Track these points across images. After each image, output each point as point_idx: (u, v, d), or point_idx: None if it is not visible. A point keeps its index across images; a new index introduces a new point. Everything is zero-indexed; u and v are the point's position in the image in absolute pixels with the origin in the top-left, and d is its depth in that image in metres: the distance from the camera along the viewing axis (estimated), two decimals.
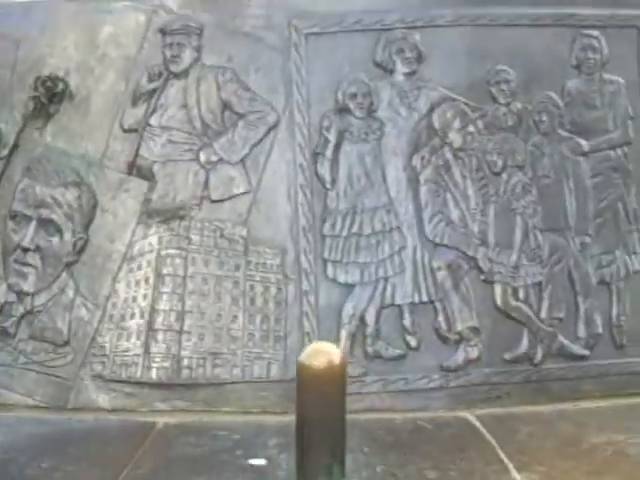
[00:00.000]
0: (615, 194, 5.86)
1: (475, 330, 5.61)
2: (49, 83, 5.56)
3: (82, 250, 5.60)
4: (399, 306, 5.61)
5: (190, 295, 5.53)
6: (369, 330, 5.57)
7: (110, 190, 5.61)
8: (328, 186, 5.61)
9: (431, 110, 5.67)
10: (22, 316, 5.57)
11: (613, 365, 5.72)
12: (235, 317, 5.51)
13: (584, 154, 5.84)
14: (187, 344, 5.50)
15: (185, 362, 5.50)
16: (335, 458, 4.36)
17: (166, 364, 5.49)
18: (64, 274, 5.61)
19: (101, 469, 4.58)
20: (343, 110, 5.62)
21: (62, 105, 5.65)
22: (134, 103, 5.65)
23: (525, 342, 5.69)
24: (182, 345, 5.50)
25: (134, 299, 5.53)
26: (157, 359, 5.49)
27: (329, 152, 5.61)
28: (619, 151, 5.89)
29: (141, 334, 5.52)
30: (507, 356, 5.65)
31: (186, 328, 5.51)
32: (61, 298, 5.60)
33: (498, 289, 5.68)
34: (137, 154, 5.61)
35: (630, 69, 5.89)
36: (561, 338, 5.71)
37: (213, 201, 5.58)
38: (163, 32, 5.63)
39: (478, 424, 5.31)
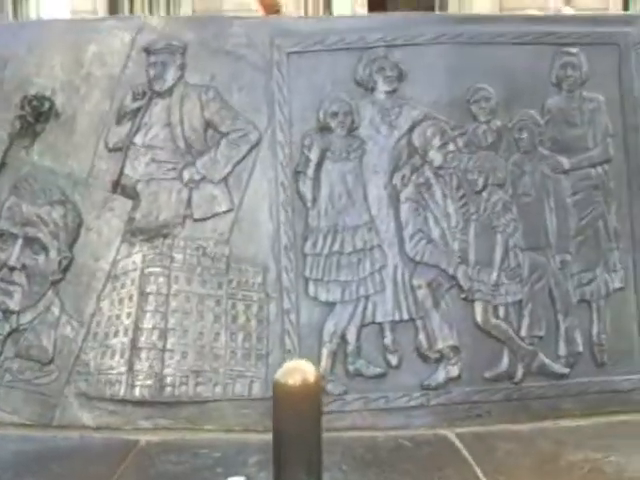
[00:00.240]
0: (596, 212, 5.88)
1: (455, 348, 5.64)
2: (35, 102, 5.60)
3: (67, 268, 5.64)
4: (380, 324, 5.64)
5: (173, 313, 5.58)
6: (350, 348, 5.60)
7: (95, 209, 5.67)
8: (309, 204, 5.65)
9: (412, 128, 5.71)
10: (8, 334, 5.62)
11: (594, 383, 5.75)
12: (217, 335, 5.57)
13: (564, 172, 5.86)
14: (170, 362, 5.55)
15: (168, 380, 5.54)
16: (311, 475, 4.41)
17: (149, 382, 5.53)
18: (49, 292, 5.66)
19: None
20: (324, 129, 5.67)
21: (48, 124, 5.72)
22: (118, 122, 5.71)
23: (505, 360, 5.71)
24: (165, 363, 5.55)
25: (118, 317, 5.58)
26: (140, 377, 5.55)
27: (310, 171, 5.66)
28: (599, 169, 5.91)
29: (125, 352, 5.56)
30: (487, 374, 5.67)
31: (169, 346, 5.56)
32: (47, 316, 5.65)
33: (478, 307, 5.70)
34: (122, 173, 5.68)
35: (610, 86, 5.93)
36: (541, 356, 5.73)
37: (196, 220, 5.64)
38: (147, 51, 5.69)
39: (458, 442, 5.36)
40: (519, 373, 5.70)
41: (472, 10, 15.44)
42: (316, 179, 5.66)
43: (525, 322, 5.75)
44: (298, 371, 4.42)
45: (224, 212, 5.65)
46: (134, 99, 5.69)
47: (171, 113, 5.69)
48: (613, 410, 5.61)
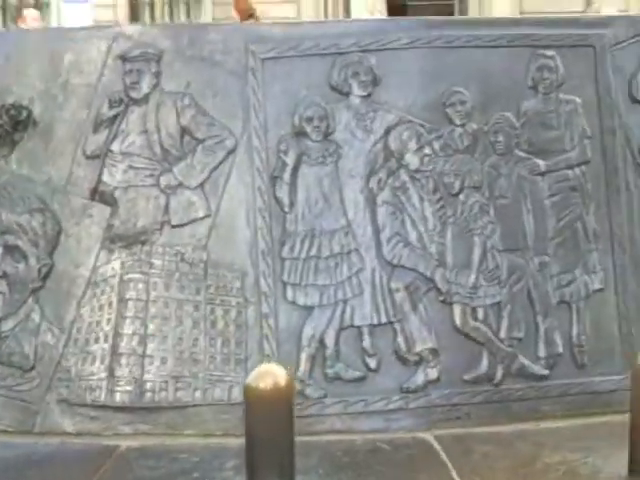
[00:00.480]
0: (574, 213, 5.91)
1: (434, 351, 5.67)
2: (13, 111, 5.65)
3: (47, 276, 5.69)
4: (358, 328, 5.67)
5: (152, 319, 5.63)
6: (329, 352, 5.63)
7: (74, 216, 5.72)
8: (286, 209, 5.69)
9: (387, 132, 5.74)
10: None
11: (574, 385, 5.78)
12: (196, 340, 5.60)
13: (541, 174, 5.89)
14: (150, 368, 5.59)
15: (148, 386, 5.58)
16: (283, 479, 4.50)
17: (129, 388, 5.58)
18: (30, 300, 5.70)
19: None
20: (300, 134, 5.70)
21: (26, 133, 5.77)
22: (95, 130, 5.76)
23: (485, 362, 5.73)
24: (145, 369, 5.59)
25: (98, 323, 5.64)
26: (121, 383, 5.59)
27: (287, 175, 5.69)
28: (577, 170, 5.94)
29: (105, 358, 5.61)
30: (467, 377, 5.70)
31: (149, 352, 5.60)
32: (27, 323, 5.69)
33: (457, 310, 5.73)
34: (99, 180, 5.74)
35: (587, 89, 5.96)
36: (521, 358, 5.76)
37: (173, 226, 5.69)
38: (123, 59, 5.74)
39: (436, 445, 5.40)
40: (498, 375, 5.73)
41: (492, 13, 15.50)
42: (293, 184, 5.69)
43: (504, 324, 5.77)
44: (269, 375, 4.51)
45: (201, 218, 5.69)
46: (111, 107, 5.75)
47: (147, 120, 5.73)
48: (593, 411, 5.62)
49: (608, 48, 5.98)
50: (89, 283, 5.67)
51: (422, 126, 5.77)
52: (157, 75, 5.75)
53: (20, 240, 5.66)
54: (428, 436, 5.50)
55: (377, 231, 5.71)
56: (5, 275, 5.68)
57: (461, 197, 5.77)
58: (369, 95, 5.76)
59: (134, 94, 5.75)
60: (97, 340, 5.60)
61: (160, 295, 5.65)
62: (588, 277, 5.91)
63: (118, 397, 5.58)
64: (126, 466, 5.17)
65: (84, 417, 5.57)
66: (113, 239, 5.71)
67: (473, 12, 17.21)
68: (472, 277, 5.74)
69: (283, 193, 5.71)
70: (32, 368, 5.64)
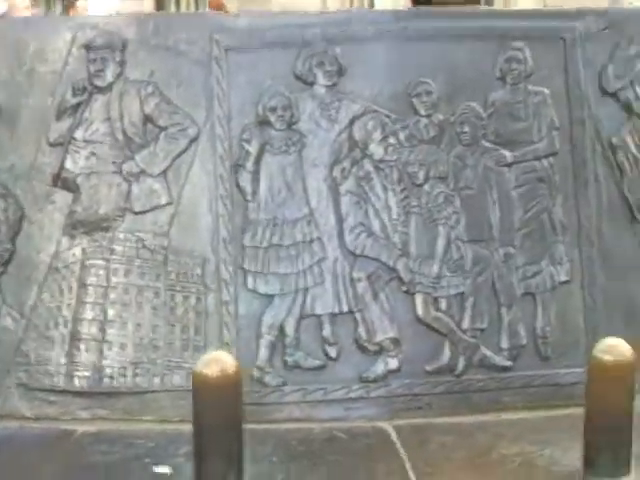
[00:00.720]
0: (540, 205, 5.88)
1: (395, 341, 5.64)
2: None
3: (9, 261, 5.69)
4: (319, 316, 5.65)
5: (112, 305, 5.64)
6: (288, 340, 5.62)
7: (37, 202, 5.74)
8: (249, 198, 5.69)
9: (352, 122, 5.73)
10: None
11: (537, 376, 5.74)
12: (155, 327, 5.61)
13: (508, 165, 5.87)
14: (109, 353, 5.60)
15: (107, 371, 5.59)
16: (231, 466, 4.46)
17: (88, 373, 5.59)
18: None
19: (2, 477, 4.74)
20: (264, 123, 5.70)
21: None
22: (59, 117, 5.78)
23: (447, 353, 5.70)
24: (104, 354, 5.60)
25: (58, 309, 5.65)
26: (79, 368, 5.60)
27: (250, 164, 5.69)
28: (545, 162, 5.92)
29: (64, 343, 5.62)
30: (428, 367, 5.67)
31: (108, 338, 5.61)
32: None
33: (419, 300, 5.71)
34: (62, 167, 5.75)
35: (557, 80, 5.95)
36: (483, 349, 5.73)
37: (135, 213, 5.70)
38: (87, 48, 5.75)
39: (394, 435, 5.37)
40: (460, 366, 5.70)
41: (517, 7, 15.41)
42: (255, 172, 5.69)
43: (467, 315, 5.74)
44: (216, 362, 4.47)
45: (163, 205, 5.71)
46: (74, 95, 5.76)
47: (111, 108, 5.76)
48: (556, 404, 5.57)
49: (578, 40, 5.99)
50: (50, 268, 5.67)
51: (387, 116, 5.76)
52: (121, 64, 5.76)
53: None
54: (387, 426, 5.46)
55: (340, 220, 5.70)
56: None
57: (426, 187, 5.75)
58: (334, 85, 5.76)
59: (98, 82, 5.76)
60: (57, 325, 5.61)
61: (120, 281, 5.66)
62: (554, 269, 5.88)
63: (77, 382, 5.59)
64: (80, 451, 5.16)
65: (43, 402, 5.57)
66: (75, 225, 5.72)
67: (498, 4, 17.15)
68: (435, 267, 5.71)
69: (246, 182, 5.71)
70: None
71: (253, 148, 5.70)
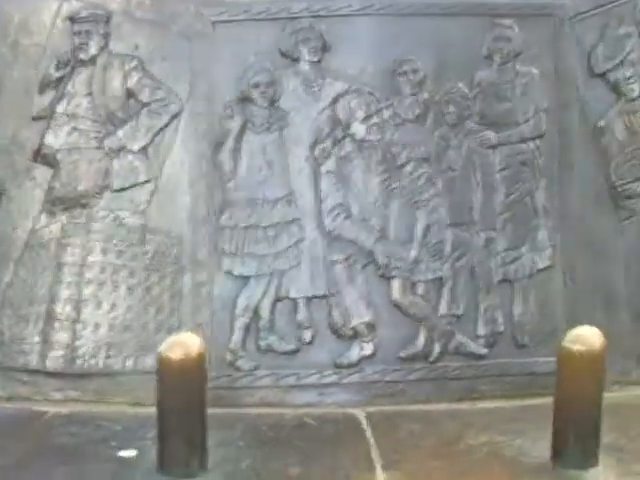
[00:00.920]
0: (524, 188, 5.44)
1: (370, 326, 5.26)
2: None
3: None
4: (294, 300, 5.28)
5: (88, 284, 5.29)
6: (262, 323, 5.26)
7: (17, 178, 5.41)
8: (228, 176, 5.28)
9: (335, 100, 5.30)
10: None
11: (514, 364, 5.35)
12: (130, 307, 5.28)
13: (493, 147, 5.42)
14: (83, 333, 5.26)
15: (80, 352, 5.26)
16: (194, 450, 4.21)
17: (61, 353, 5.26)
18: None
19: None
20: (246, 99, 5.29)
21: None
22: (42, 91, 5.41)
23: (422, 339, 5.31)
24: (77, 334, 5.26)
25: (34, 287, 5.32)
26: (53, 348, 5.27)
27: (231, 142, 5.29)
28: (531, 144, 5.45)
29: (39, 322, 5.29)
30: (403, 353, 5.29)
31: (82, 317, 5.26)
32: None
33: (396, 284, 5.30)
34: (42, 142, 5.38)
35: (546, 60, 5.46)
36: (459, 336, 5.33)
37: (114, 190, 5.34)
38: (72, 20, 5.37)
39: (365, 421, 5.02)
40: (435, 352, 5.31)
41: None
42: (236, 150, 5.29)
43: (444, 300, 5.34)
44: (180, 345, 4.18)
45: (143, 183, 5.32)
46: (58, 68, 5.39)
47: (94, 82, 5.38)
48: (533, 392, 5.14)
49: (569, 18, 5.49)
50: (27, 246, 5.36)
51: (371, 94, 5.32)
52: (105, 36, 5.38)
53: None
54: (359, 412, 5.11)
55: (319, 201, 5.29)
56: None
57: (408, 168, 5.32)
58: (319, 61, 5.33)
59: (82, 55, 5.39)
60: (32, 303, 5.29)
61: (97, 260, 5.31)
62: (535, 255, 5.45)
63: (50, 362, 5.26)
64: (48, 432, 4.86)
65: (16, 381, 5.26)
66: (54, 202, 5.36)
67: None
68: (414, 251, 5.31)
69: (226, 160, 5.30)
70: None
71: (234, 125, 5.28)
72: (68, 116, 5.42)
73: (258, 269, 5.29)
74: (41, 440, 4.79)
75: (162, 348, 4.21)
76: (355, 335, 5.29)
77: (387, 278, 5.30)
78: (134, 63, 5.37)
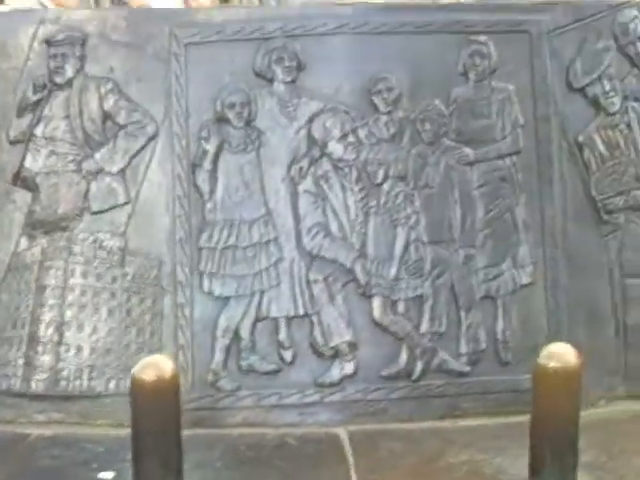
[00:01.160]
0: (503, 204, 5.32)
1: (352, 345, 5.13)
2: None
3: None
4: (275, 319, 5.15)
5: (69, 307, 5.17)
6: (244, 343, 5.13)
7: None
8: (206, 197, 5.17)
9: (311, 120, 5.19)
10: None
11: (496, 382, 5.20)
12: (111, 329, 5.16)
13: (470, 163, 5.29)
14: (65, 356, 5.14)
15: (63, 374, 5.14)
16: (169, 471, 4.09)
17: (45, 376, 5.14)
18: None
19: None
20: (222, 120, 5.17)
21: None
22: (19, 114, 5.30)
23: (404, 357, 5.18)
24: (61, 357, 5.14)
25: (17, 310, 5.21)
26: (36, 371, 5.14)
27: (207, 163, 5.17)
28: (508, 160, 5.33)
29: (22, 345, 5.17)
30: (385, 372, 5.15)
31: (65, 340, 5.14)
32: None
33: (376, 302, 5.17)
34: (22, 165, 5.27)
35: (522, 75, 5.35)
36: (441, 354, 5.20)
37: (93, 212, 5.24)
38: (48, 43, 5.27)
39: (346, 441, 4.90)
40: (417, 370, 5.18)
41: None
42: (213, 171, 5.17)
43: (425, 318, 5.20)
44: (153, 367, 4.08)
45: (121, 205, 5.22)
46: (35, 91, 5.29)
47: (71, 105, 5.27)
48: (516, 410, 4.85)
49: (545, 34, 5.37)
50: (10, 269, 5.24)
51: (347, 113, 5.20)
52: (81, 59, 5.28)
53: None
54: (341, 431, 4.98)
55: (298, 220, 5.17)
56: None
57: (385, 187, 5.19)
58: (293, 81, 5.21)
59: (58, 79, 5.28)
60: (15, 326, 5.18)
61: (78, 282, 5.19)
62: (516, 271, 5.31)
63: (33, 385, 5.13)
64: (32, 455, 4.76)
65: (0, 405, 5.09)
66: (34, 225, 5.25)
67: None
68: (393, 269, 5.17)
69: (203, 181, 5.18)
70: None
71: (211, 146, 5.17)
72: (46, 139, 5.31)
73: (238, 289, 5.15)
74: (24, 462, 4.69)
75: (135, 370, 4.09)
76: (336, 354, 5.15)
77: (368, 297, 5.17)
78: (110, 85, 5.26)
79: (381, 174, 5.17)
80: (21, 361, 5.15)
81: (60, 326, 5.15)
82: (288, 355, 5.15)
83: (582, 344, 4.96)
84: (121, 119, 5.25)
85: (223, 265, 5.15)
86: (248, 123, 5.19)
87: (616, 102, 5.49)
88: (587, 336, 5.27)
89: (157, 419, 4.05)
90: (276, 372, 5.14)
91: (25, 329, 5.17)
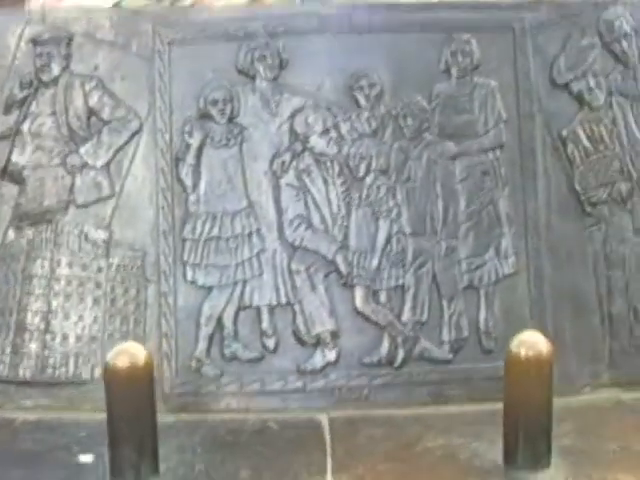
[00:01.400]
0: (486, 198, 6.98)
1: (334, 333, 6.80)
2: None
3: None
4: (257, 308, 6.85)
5: (56, 296, 6.92)
6: (226, 332, 6.82)
7: None
8: (189, 190, 6.91)
9: (293, 115, 6.92)
10: None
11: (479, 370, 6.77)
12: (96, 318, 6.89)
13: (452, 158, 6.98)
14: (52, 344, 6.87)
15: (50, 361, 6.86)
16: (143, 456, 5.44)
17: (32, 363, 6.85)
18: None
19: None
20: (205, 116, 6.95)
21: None
22: (6, 111, 7.11)
23: (386, 345, 6.82)
24: (47, 345, 6.87)
25: (4, 299, 6.94)
26: (24, 358, 6.88)
27: (190, 157, 6.93)
28: (491, 155, 7.03)
29: (10, 333, 6.90)
30: (367, 359, 6.79)
31: (51, 328, 6.88)
32: None
33: (358, 292, 6.84)
34: (9, 160, 7.06)
35: (505, 72, 7.06)
36: (423, 342, 6.83)
37: (78, 205, 7.00)
38: (34, 42, 7.08)
39: (326, 427, 6.36)
40: (399, 358, 6.80)
41: None
42: (196, 166, 6.92)
43: (407, 307, 6.86)
44: (126, 354, 5.43)
45: (106, 198, 6.99)
46: (22, 89, 7.08)
47: (56, 102, 7.06)
48: (498, 397, 5.93)
49: (529, 31, 7.08)
50: None
51: (329, 109, 6.94)
52: (67, 57, 7.08)
53: None
54: (323, 417, 6.47)
55: (280, 213, 6.87)
56: None
57: (367, 180, 6.91)
58: (275, 78, 6.97)
59: (44, 77, 7.08)
60: (3, 314, 6.89)
61: (63, 273, 6.95)
62: (499, 262, 6.96)
63: (21, 372, 6.86)
64: (14, 439, 6.30)
65: None
66: (21, 217, 7.02)
67: None
68: (375, 260, 6.86)
69: (186, 175, 6.94)
70: None
71: (194, 141, 6.93)
72: (32, 135, 7.10)
73: (221, 279, 6.88)
74: (7, 446, 6.19)
75: (109, 357, 5.45)
76: (318, 342, 6.80)
77: (350, 286, 6.85)
78: (94, 83, 7.06)
79: (363, 168, 6.91)
80: (8, 349, 6.89)
81: (46, 315, 6.90)
82: (271, 343, 6.83)
83: (565, 333, 6.80)
84: (105, 115, 7.07)
85: (206, 255, 6.89)
86: (231, 119, 6.97)
87: (600, 97, 7.19)
88: (571, 325, 6.91)
89: (131, 405, 5.30)
90: (259, 359, 6.81)
91: (13, 317, 6.91)
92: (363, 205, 6.91)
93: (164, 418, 5.91)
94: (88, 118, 7.07)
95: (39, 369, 6.85)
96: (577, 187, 7.11)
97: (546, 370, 5.32)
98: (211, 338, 6.82)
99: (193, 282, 6.86)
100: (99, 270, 6.95)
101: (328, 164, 6.92)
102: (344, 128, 6.94)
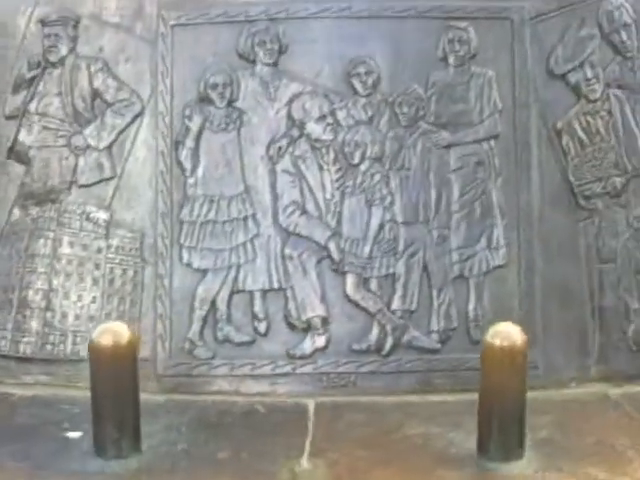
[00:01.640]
0: (479, 188, 6.49)
1: (324, 319, 6.36)
2: None
3: None
4: (250, 292, 6.43)
5: (57, 275, 6.54)
6: (219, 314, 6.41)
7: None
8: (187, 173, 6.48)
9: (291, 101, 6.45)
10: None
11: (467, 359, 6.27)
12: (94, 298, 6.50)
13: (447, 147, 6.48)
14: (52, 321, 6.51)
15: (49, 338, 6.51)
16: (124, 433, 5.14)
17: (32, 339, 6.51)
18: None
19: None
20: (205, 100, 6.49)
21: None
22: (15, 91, 6.71)
23: (375, 333, 6.37)
24: (47, 322, 6.51)
25: (7, 276, 6.59)
26: (24, 334, 6.53)
27: (190, 140, 6.47)
28: (485, 145, 6.50)
29: (12, 309, 6.55)
30: (355, 346, 6.36)
31: (52, 306, 6.52)
32: None
33: (350, 279, 6.39)
34: (16, 139, 6.66)
35: (503, 61, 6.51)
36: (412, 330, 6.37)
37: (81, 186, 6.59)
38: (42, 23, 6.68)
39: (311, 411, 6.01)
40: (388, 346, 6.36)
41: None
42: (195, 149, 6.47)
43: (397, 295, 6.40)
44: (110, 332, 5.13)
45: (107, 179, 6.57)
46: (30, 69, 6.68)
47: (62, 83, 6.64)
48: None
49: (527, 20, 6.54)
50: (2, 236, 6.62)
51: (326, 96, 6.46)
52: (74, 39, 6.66)
53: None
54: (310, 402, 6.10)
55: (275, 198, 6.44)
56: None
57: (362, 167, 6.43)
58: (275, 64, 6.50)
59: (52, 57, 6.67)
60: (6, 291, 6.56)
61: (65, 252, 6.56)
62: (490, 252, 6.47)
63: (21, 348, 6.52)
64: (11, 413, 5.99)
65: None
66: (26, 196, 6.64)
67: None
68: (367, 248, 6.39)
69: (185, 158, 6.49)
70: None
71: (194, 125, 6.47)
72: (39, 115, 6.70)
73: (216, 262, 6.46)
74: (3, 420, 5.90)
75: (93, 335, 5.19)
76: (309, 327, 6.39)
77: (341, 273, 6.42)
78: (99, 65, 6.63)
79: (358, 155, 6.41)
80: (10, 325, 6.54)
81: (48, 293, 6.53)
82: (262, 327, 6.41)
83: (554, 326, 6.34)
84: (109, 97, 6.62)
85: (202, 239, 6.46)
86: (230, 103, 6.51)
87: (597, 89, 6.66)
88: (560, 318, 6.45)
89: (114, 383, 5.06)
90: (250, 343, 6.40)
91: (15, 294, 6.57)
92: (357, 192, 6.44)
93: (156, 398, 5.87)
94: (92, 100, 6.63)
95: (39, 346, 6.49)
96: (571, 179, 6.59)
97: (520, 360, 4.97)
98: (205, 320, 6.40)
99: (189, 265, 6.45)
100: (99, 251, 6.55)
101: (324, 150, 6.44)
102: (340, 115, 6.45)
